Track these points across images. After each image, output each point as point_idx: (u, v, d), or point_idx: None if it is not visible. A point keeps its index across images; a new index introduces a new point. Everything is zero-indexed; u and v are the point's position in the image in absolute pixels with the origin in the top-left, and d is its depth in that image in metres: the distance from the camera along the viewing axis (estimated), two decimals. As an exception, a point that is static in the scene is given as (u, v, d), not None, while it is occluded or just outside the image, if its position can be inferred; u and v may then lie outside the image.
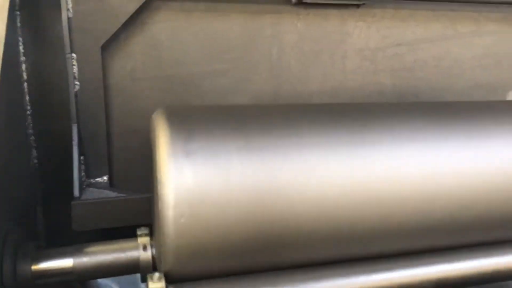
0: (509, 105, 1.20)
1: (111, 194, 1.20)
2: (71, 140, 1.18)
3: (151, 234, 0.96)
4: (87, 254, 0.91)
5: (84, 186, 1.23)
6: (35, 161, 1.22)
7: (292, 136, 0.83)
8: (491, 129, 1.00)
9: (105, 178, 1.28)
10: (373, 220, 0.83)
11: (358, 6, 1.39)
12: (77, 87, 1.18)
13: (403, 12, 1.45)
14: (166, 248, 0.76)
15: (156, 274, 0.79)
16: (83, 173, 1.24)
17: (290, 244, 0.80)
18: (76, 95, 1.18)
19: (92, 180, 1.26)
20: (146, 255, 0.93)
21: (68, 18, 1.11)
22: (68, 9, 1.11)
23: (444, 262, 0.91)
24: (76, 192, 1.11)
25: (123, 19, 1.17)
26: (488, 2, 1.51)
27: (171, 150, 0.76)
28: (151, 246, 0.94)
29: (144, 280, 0.94)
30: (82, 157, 1.22)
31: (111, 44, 1.19)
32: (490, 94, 1.65)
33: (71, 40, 1.13)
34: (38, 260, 0.89)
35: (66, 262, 0.90)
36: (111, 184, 1.28)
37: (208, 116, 0.85)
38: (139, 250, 0.93)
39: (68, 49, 1.13)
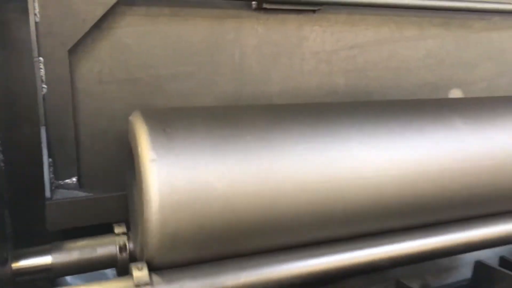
0: (454, 101, 1.34)
1: (81, 194, 1.23)
2: (39, 142, 1.20)
3: (127, 230, 1.00)
4: (65, 251, 0.94)
5: (53, 188, 1.24)
6: (2, 164, 1.22)
7: (261, 133, 0.90)
8: (437, 123, 1.12)
9: (74, 179, 1.30)
10: (336, 206, 0.92)
11: (314, 11, 1.48)
12: (44, 90, 1.20)
13: (355, 17, 1.56)
14: (149, 238, 0.81)
15: (139, 263, 0.84)
16: (51, 175, 1.25)
17: (263, 231, 0.88)
18: (43, 98, 1.20)
19: (61, 181, 1.28)
20: (124, 249, 0.97)
21: (36, 23, 1.13)
22: (35, 14, 1.13)
23: (395, 242, 1.03)
24: (47, 193, 1.13)
25: (90, 24, 1.20)
26: (430, 9, 1.65)
27: (152, 149, 0.82)
28: (128, 241, 0.98)
29: (120, 274, 0.98)
30: (50, 159, 1.24)
31: (78, 48, 1.22)
32: (434, 91, 1.80)
33: (38, 44, 1.14)
34: (18, 258, 0.91)
35: (45, 260, 0.93)
36: (80, 185, 1.31)
37: (183, 116, 0.91)
38: (116, 245, 0.97)
39: (35, 53, 1.15)
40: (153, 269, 0.85)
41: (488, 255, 1.58)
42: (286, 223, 0.89)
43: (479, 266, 1.37)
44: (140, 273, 0.82)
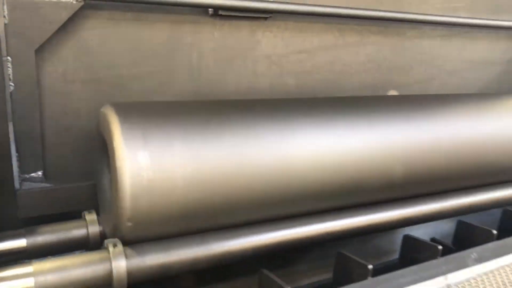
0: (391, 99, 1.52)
1: (48, 185, 1.30)
2: (7, 138, 1.26)
3: (97, 215, 1.09)
4: (39, 234, 1.02)
5: (20, 181, 1.31)
6: (-32, 159, 1.27)
7: (220, 123, 1.03)
8: (374, 117, 1.29)
9: (40, 173, 1.36)
10: (282, 187, 1.07)
11: (265, 18, 1.63)
12: (11, 88, 1.26)
13: (303, 25, 1.72)
14: (123, 217, 0.91)
15: (113, 240, 0.94)
16: (18, 169, 1.32)
17: (222, 209, 1.00)
18: (11, 96, 1.26)
19: (26, 175, 1.34)
20: (94, 231, 1.06)
21: (5, 24, 1.19)
22: (4, 16, 1.19)
23: (336, 219, 1.19)
24: (16, 185, 1.20)
25: (56, 26, 1.28)
26: (369, 18, 1.84)
27: (125, 137, 0.92)
28: (99, 224, 1.07)
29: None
30: (17, 154, 1.31)
31: (44, 48, 1.29)
32: (373, 92, 1.99)
33: (7, 45, 1.21)
34: (-7, 241, 0.98)
35: (20, 243, 1.00)
36: (45, 178, 1.38)
37: (152, 109, 1.02)
38: (87, 227, 1.06)
39: (4, 53, 1.21)
40: (125, 245, 0.96)
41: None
42: (243, 202, 1.02)
43: (407, 239, 1.56)
44: (115, 248, 0.92)
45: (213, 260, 1.03)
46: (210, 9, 1.51)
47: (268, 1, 1.56)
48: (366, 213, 1.24)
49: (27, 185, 1.27)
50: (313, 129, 1.14)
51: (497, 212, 2.02)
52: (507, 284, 1.23)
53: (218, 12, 1.52)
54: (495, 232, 1.61)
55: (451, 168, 1.36)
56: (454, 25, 2.06)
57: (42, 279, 0.86)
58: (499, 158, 1.46)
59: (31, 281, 0.87)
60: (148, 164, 0.91)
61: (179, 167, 0.93)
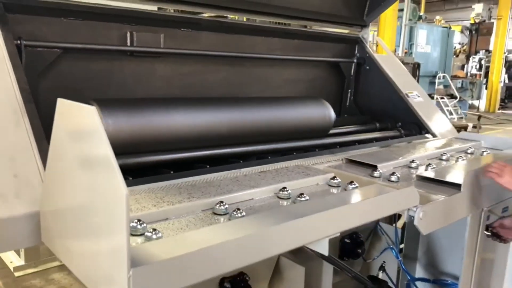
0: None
1: None
2: None
3: None
4: None
5: None
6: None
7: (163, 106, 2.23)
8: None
9: None
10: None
11: (159, 57, 2.83)
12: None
13: (185, 60, 2.97)
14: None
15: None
16: None
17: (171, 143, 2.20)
18: None
19: None
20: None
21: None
22: None
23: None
24: None
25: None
26: (224, 57, 3.14)
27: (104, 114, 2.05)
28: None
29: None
30: None
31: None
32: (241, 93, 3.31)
33: None
34: None
35: None
36: None
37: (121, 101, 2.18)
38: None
39: None
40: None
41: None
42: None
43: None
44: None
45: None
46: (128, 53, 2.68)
47: (159, 48, 2.77)
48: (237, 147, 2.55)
49: None
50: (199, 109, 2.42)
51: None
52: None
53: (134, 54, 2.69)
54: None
55: (267, 128, 2.72)
56: (274, 59, 3.48)
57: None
58: (289, 124, 2.86)
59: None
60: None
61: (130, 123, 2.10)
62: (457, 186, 2.22)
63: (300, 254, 2.94)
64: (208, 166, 2.28)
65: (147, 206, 1.63)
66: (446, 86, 19.00)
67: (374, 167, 2.47)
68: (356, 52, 4.01)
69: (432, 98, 17.80)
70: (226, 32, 3.16)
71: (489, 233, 2.55)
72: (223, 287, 2.49)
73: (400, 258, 3.42)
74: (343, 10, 3.84)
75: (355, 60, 3.97)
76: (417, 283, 3.40)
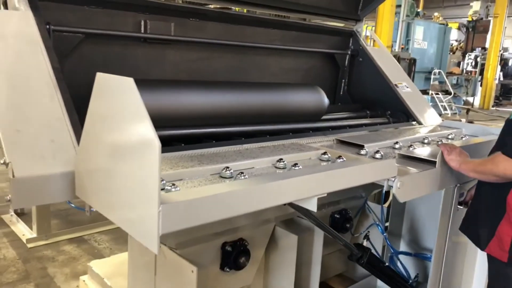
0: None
1: None
2: None
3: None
4: None
5: None
6: None
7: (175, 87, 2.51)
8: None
9: None
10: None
11: (169, 43, 3.11)
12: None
13: (194, 47, 3.24)
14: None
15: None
16: None
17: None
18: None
19: None
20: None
21: None
22: None
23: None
24: None
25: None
26: (229, 45, 3.42)
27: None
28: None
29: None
30: None
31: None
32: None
33: None
34: None
35: None
36: None
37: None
38: None
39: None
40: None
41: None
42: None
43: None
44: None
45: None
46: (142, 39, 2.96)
47: (169, 35, 3.05)
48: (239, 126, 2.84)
49: None
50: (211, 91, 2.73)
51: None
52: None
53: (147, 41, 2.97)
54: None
55: (266, 110, 3.01)
56: (274, 49, 3.76)
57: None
58: (286, 107, 3.15)
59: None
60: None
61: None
62: (432, 163, 2.53)
63: (294, 225, 3.26)
64: (214, 141, 2.58)
65: (165, 168, 1.93)
66: (442, 82, 19.33)
67: (361, 146, 2.77)
68: (350, 44, 4.29)
69: (427, 93, 18.17)
70: (230, 23, 3.44)
71: (462, 206, 2.86)
72: (225, 250, 2.81)
73: (385, 234, 3.75)
74: (339, 4, 4.12)
75: (349, 52, 4.26)
76: (400, 256, 3.72)
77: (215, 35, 3.35)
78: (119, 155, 1.57)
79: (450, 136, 3.45)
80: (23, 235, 4.70)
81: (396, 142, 2.97)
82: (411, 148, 2.87)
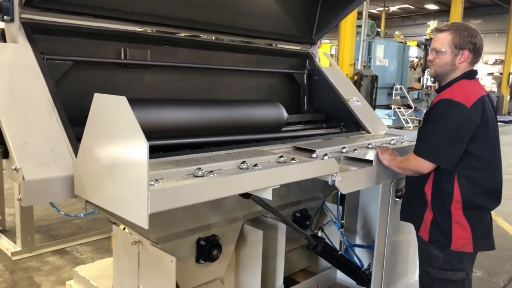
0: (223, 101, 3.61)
1: None
2: None
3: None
4: None
5: None
6: None
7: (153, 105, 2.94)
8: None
9: None
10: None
11: (147, 68, 3.57)
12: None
13: (170, 70, 3.71)
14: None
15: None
16: None
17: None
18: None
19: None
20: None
21: None
22: None
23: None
24: None
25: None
26: (197, 68, 3.90)
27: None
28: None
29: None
30: None
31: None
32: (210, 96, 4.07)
33: None
34: None
35: None
36: None
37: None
38: None
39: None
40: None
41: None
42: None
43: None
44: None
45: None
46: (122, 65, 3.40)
47: (146, 61, 3.51)
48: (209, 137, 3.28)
49: None
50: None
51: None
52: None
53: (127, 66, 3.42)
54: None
55: (232, 123, 3.49)
56: (238, 70, 4.27)
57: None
58: (250, 120, 3.63)
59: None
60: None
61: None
62: (370, 162, 3.06)
63: (260, 223, 3.73)
64: (188, 150, 3.03)
65: (148, 170, 2.37)
66: (403, 97, 20.41)
67: (313, 151, 3.28)
68: (307, 65, 4.86)
69: (390, 108, 19.13)
70: (199, 48, 3.93)
71: (399, 199, 3.40)
72: (200, 244, 3.25)
73: (341, 230, 4.26)
74: (295, 30, 4.69)
75: (306, 72, 4.82)
76: (355, 249, 4.23)
77: (187, 60, 3.83)
78: (116, 156, 2.01)
79: (392, 142, 4.02)
80: (7, 249, 4.96)
81: (344, 147, 3.50)
82: (355, 151, 3.40)
